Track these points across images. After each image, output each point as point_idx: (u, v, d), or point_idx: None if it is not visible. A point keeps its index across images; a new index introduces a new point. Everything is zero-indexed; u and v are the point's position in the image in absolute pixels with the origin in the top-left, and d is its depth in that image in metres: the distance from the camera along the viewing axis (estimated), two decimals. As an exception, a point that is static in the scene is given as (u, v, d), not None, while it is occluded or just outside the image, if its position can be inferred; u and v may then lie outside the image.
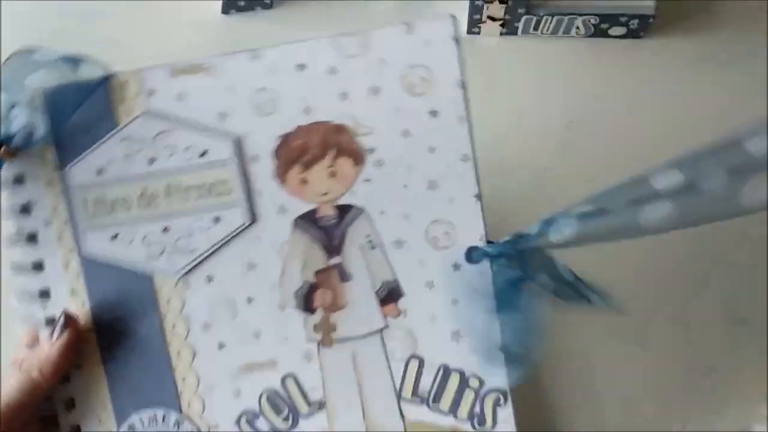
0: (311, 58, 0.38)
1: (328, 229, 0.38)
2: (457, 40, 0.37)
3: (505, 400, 0.38)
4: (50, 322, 0.38)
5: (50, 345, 0.37)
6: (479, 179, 0.37)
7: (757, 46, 0.63)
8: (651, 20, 0.59)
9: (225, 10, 0.65)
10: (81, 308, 0.38)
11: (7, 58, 0.38)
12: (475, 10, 0.57)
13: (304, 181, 0.38)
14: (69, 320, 0.37)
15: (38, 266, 0.38)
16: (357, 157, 0.38)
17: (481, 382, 0.38)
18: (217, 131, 0.38)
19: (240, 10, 0.64)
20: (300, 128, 0.38)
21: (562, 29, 0.60)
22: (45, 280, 0.38)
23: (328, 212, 0.38)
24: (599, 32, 0.60)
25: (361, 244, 0.38)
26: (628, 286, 0.47)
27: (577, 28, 0.59)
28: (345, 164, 0.38)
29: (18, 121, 0.37)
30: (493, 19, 0.58)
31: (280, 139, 0.38)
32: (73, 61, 0.38)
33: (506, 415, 0.38)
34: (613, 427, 0.52)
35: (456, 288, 0.37)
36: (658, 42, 0.62)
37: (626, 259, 0.52)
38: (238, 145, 0.38)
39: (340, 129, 0.38)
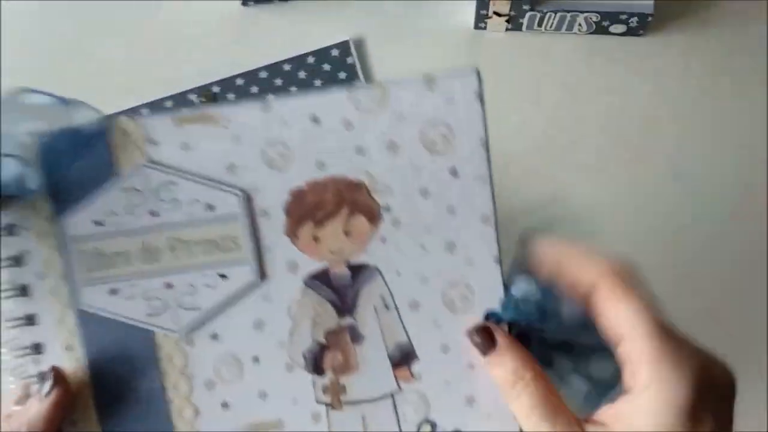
0: (325, 112, 0.35)
1: (340, 288, 0.36)
2: (481, 97, 0.35)
3: (520, 464, 0.37)
4: (42, 377, 0.36)
5: (40, 402, 0.35)
6: (500, 242, 0.36)
7: (753, 44, 0.65)
8: (650, 18, 0.61)
9: (244, 2, 0.67)
10: (76, 363, 0.36)
11: None
12: (482, 5, 0.59)
13: (316, 239, 0.36)
14: (58, 377, 0.36)
15: (31, 319, 0.36)
16: (373, 215, 0.36)
17: (495, 446, 0.37)
18: (224, 184, 0.36)
19: (259, 1, 0.66)
20: (313, 183, 0.36)
21: (564, 26, 0.62)
22: (38, 334, 0.36)
23: (341, 271, 0.36)
24: (600, 29, 0.62)
25: (375, 305, 0.36)
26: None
27: (579, 25, 0.62)
28: (360, 222, 0.36)
29: (8, 170, 0.34)
30: (498, 14, 0.60)
31: (293, 194, 0.36)
32: (66, 105, 0.35)
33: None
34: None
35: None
36: (657, 39, 0.64)
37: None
38: (248, 199, 0.36)
39: (355, 185, 0.36)
